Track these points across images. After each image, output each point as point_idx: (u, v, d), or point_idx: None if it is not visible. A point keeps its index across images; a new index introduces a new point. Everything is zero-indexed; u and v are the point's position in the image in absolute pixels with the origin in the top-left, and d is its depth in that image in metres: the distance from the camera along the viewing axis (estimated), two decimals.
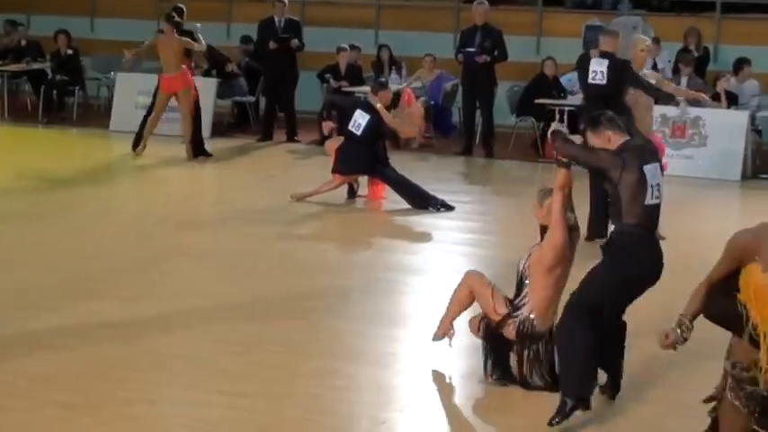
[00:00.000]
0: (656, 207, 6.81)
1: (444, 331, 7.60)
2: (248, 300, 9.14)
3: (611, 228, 6.84)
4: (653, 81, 11.94)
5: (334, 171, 13.27)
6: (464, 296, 7.49)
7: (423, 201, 13.06)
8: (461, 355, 7.64)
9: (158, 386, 7.15)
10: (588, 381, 6.73)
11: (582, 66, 12.19)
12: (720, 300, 4.83)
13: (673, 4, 20.08)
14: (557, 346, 6.92)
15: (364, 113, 13.13)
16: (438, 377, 7.44)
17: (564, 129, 7.52)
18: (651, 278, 6.84)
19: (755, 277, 4.51)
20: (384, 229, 12.60)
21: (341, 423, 6.61)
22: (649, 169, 6.71)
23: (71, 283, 9.56)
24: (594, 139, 6.89)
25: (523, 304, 7.14)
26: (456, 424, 6.71)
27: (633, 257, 6.69)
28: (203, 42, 16.51)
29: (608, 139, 6.83)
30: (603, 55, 11.91)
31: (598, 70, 11.84)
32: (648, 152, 6.90)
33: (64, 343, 7.85)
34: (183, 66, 16.12)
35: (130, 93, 18.46)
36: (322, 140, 14.98)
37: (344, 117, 13.39)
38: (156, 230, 11.80)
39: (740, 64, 17.13)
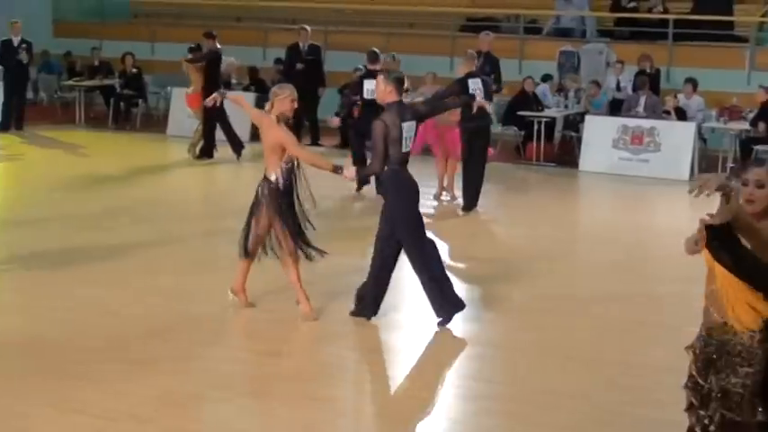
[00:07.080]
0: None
1: None
2: (270, 278, 9.24)
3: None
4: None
5: None
6: None
7: None
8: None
9: (198, 345, 7.39)
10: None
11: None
12: None
13: (632, 33, 20.15)
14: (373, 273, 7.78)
15: None
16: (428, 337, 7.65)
17: None
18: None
19: None
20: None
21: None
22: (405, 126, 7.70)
23: (129, 259, 9.81)
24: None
25: None
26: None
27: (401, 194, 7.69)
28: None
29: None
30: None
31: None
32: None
33: (129, 311, 8.12)
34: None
35: (184, 104, 18.43)
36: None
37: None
38: (200, 216, 12.06)
39: (687, 83, 17.28)
